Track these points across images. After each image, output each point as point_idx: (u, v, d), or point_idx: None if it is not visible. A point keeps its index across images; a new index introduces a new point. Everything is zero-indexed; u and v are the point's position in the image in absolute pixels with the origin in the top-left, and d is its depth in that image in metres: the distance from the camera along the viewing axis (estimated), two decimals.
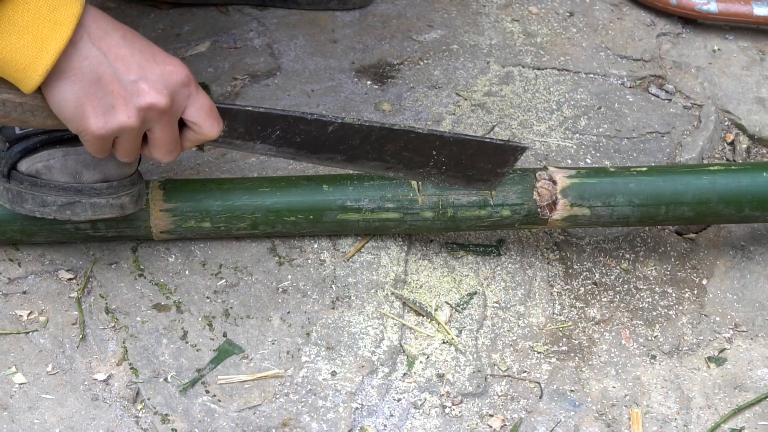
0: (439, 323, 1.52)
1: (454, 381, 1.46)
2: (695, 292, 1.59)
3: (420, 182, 1.52)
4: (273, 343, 1.48)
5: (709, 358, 1.51)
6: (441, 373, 1.47)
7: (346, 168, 1.40)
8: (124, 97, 1.24)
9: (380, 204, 1.52)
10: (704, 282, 1.60)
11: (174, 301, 1.51)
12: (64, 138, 1.43)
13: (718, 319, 1.56)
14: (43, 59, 1.20)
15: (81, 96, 1.23)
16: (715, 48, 1.94)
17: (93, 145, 1.27)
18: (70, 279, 1.51)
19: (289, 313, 1.51)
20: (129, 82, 1.24)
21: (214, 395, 1.42)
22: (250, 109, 1.32)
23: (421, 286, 1.55)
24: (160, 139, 1.29)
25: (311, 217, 1.52)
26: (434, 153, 1.39)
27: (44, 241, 1.52)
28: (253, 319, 1.50)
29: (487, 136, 1.74)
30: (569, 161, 1.73)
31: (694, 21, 1.98)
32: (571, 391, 1.47)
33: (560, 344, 1.51)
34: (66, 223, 1.47)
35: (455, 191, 1.51)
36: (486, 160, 1.41)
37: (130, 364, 1.44)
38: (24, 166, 1.43)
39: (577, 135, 1.77)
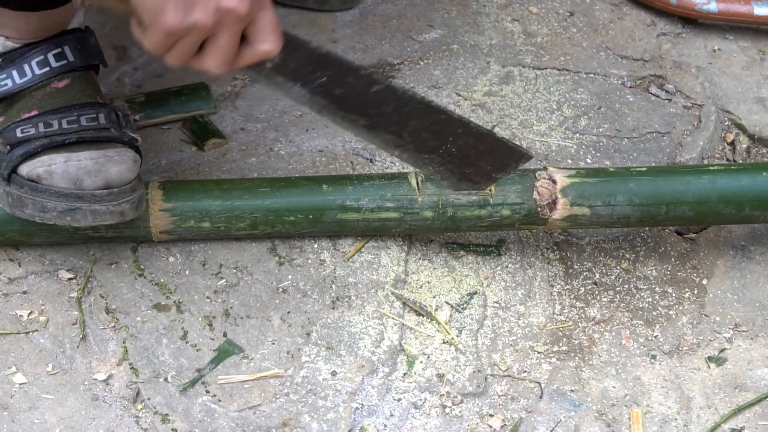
0: (439, 323, 1.52)
1: (454, 381, 1.46)
2: (695, 292, 1.59)
3: (417, 175, 1.52)
4: (273, 343, 1.48)
5: (709, 358, 1.51)
6: (441, 373, 1.47)
7: (360, 134, 1.37)
8: None
9: (380, 203, 1.52)
10: (704, 282, 1.60)
11: (174, 301, 1.51)
12: (65, 143, 1.42)
13: (718, 319, 1.56)
14: None
15: None
16: (715, 48, 1.94)
17: (158, 39, 1.24)
18: (70, 279, 1.52)
19: (289, 313, 1.51)
20: None
21: (214, 395, 1.42)
22: (312, 46, 1.30)
23: (421, 286, 1.55)
24: (222, 47, 1.26)
25: (311, 216, 1.52)
26: (450, 140, 1.37)
27: (43, 242, 1.52)
28: (253, 319, 1.50)
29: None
30: (569, 161, 1.72)
31: (694, 21, 1.98)
32: (571, 391, 1.46)
33: (560, 344, 1.51)
34: None
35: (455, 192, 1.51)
36: (490, 160, 1.40)
37: (130, 364, 1.44)
38: (25, 170, 1.42)
39: (577, 135, 1.77)
